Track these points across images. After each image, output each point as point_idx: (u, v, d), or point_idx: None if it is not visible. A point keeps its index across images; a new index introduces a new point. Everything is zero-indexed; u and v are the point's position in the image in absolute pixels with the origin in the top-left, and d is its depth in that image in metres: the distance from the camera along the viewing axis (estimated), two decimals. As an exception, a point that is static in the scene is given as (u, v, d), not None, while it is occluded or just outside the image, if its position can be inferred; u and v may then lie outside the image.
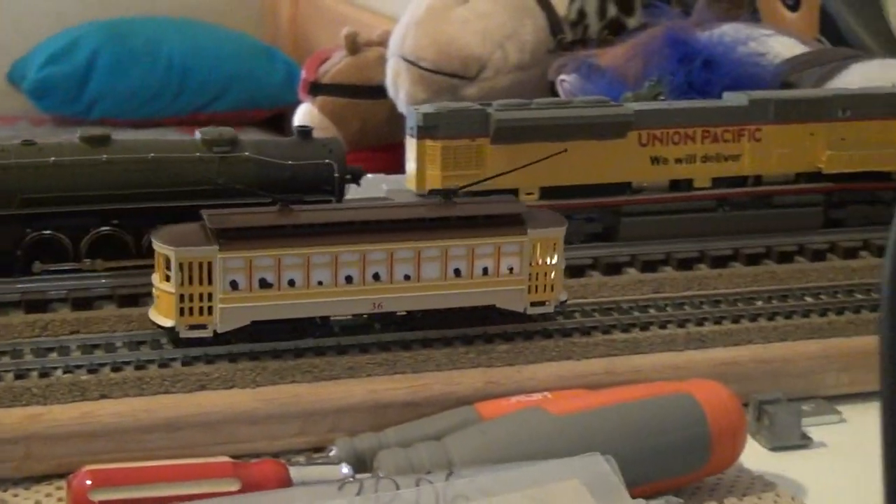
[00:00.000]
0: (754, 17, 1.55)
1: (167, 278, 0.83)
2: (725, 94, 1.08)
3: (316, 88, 1.65)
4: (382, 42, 1.61)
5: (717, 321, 0.94)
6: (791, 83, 1.25)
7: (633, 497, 0.71)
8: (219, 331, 0.84)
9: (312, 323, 0.86)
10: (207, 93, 2.52)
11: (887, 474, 0.40)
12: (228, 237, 0.83)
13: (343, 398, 0.82)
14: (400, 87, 1.51)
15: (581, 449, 0.72)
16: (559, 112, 1.00)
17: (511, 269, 0.88)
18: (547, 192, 1.01)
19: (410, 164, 0.99)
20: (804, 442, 0.86)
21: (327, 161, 0.95)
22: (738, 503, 0.77)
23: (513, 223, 0.88)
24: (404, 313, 0.88)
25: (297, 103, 1.73)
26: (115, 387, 0.80)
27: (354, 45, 1.65)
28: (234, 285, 0.83)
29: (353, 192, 0.98)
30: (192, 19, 2.66)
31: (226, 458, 0.74)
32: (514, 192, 0.99)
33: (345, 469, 0.73)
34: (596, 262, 1.02)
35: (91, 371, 0.82)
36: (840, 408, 0.91)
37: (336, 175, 0.95)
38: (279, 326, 0.85)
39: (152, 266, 0.85)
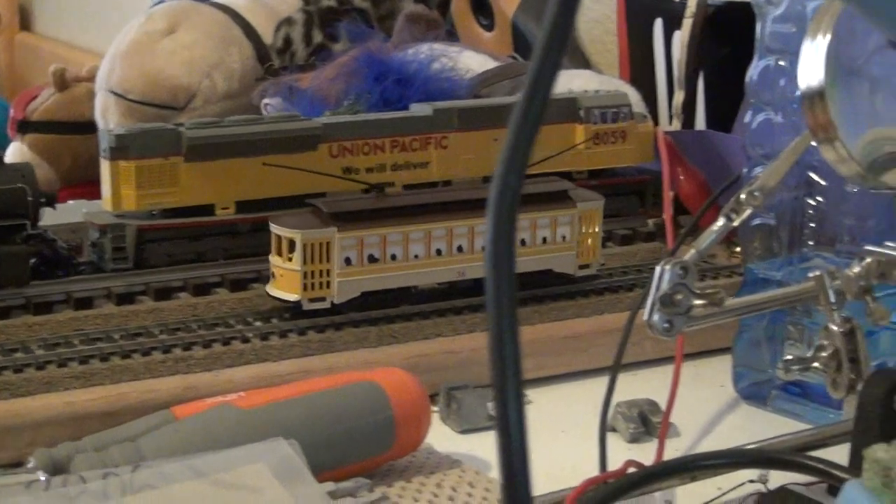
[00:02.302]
0: (452, 37, 1.62)
1: (289, 259, 0.95)
2: (412, 106, 1.13)
3: (25, 126, 1.64)
4: (91, 77, 1.61)
5: (407, 318, 0.99)
6: (482, 96, 1.32)
7: (325, 482, 0.75)
8: (336, 302, 0.97)
9: (408, 292, 1.00)
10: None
11: (502, 458, 0.44)
12: (343, 220, 0.96)
13: (40, 412, 0.83)
14: (109, 120, 1.52)
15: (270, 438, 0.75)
16: (251, 128, 1.04)
17: (564, 238, 1.04)
18: (243, 206, 1.04)
19: (105, 186, 1.01)
20: (491, 423, 0.91)
21: (20, 185, 0.96)
22: (426, 480, 0.82)
23: (563, 199, 1.05)
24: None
25: (13, 146, 1.72)
26: None
27: (62, 82, 1.65)
28: (348, 261, 0.96)
29: (48, 216, 1.00)
30: None
31: (-81, 476, 0.74)
32: (210, 207, 1.02)
33: (42, 477, 0.75)
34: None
35: None
36: (527, 390, 0.97)
37: (30, 199, 0.96)
38: (382, 296, 0.99)
39: None
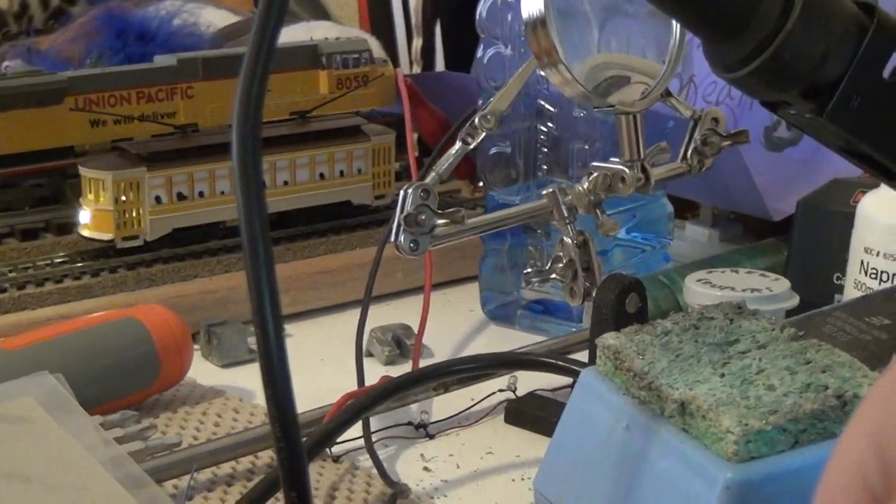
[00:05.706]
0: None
1: (100, 199, 0.98)
2: (157, 57, 1.15)
3: None
4: None
5: (166, 261, 1.01)
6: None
7: (93, 416, 0.76)
8: (148, 239, 1.01)
9: (218, 227, 1.04)
10: None
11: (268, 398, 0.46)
12: (152, 160, 1.00)
13: None
14: None
15: (35, 374, 0.76)
16: (-7, 84, 1.04)
17: (360, 170, 1.11)
18: (-10, 162, 1.04)
19: None
20: (252, 356, 0.94)
21: None
22: (192, 410, 0.84)
23: (358, 133, 1.12)
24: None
25: None
26: None
27: None
28: (158, 200, 1.00)
29: None
30: None
31: None
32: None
33: None
34: (48, 223, 1.07)
35: None
36: (285, 325, 1.00)
37: None
38: (194, 232, 1.03)
39: None
